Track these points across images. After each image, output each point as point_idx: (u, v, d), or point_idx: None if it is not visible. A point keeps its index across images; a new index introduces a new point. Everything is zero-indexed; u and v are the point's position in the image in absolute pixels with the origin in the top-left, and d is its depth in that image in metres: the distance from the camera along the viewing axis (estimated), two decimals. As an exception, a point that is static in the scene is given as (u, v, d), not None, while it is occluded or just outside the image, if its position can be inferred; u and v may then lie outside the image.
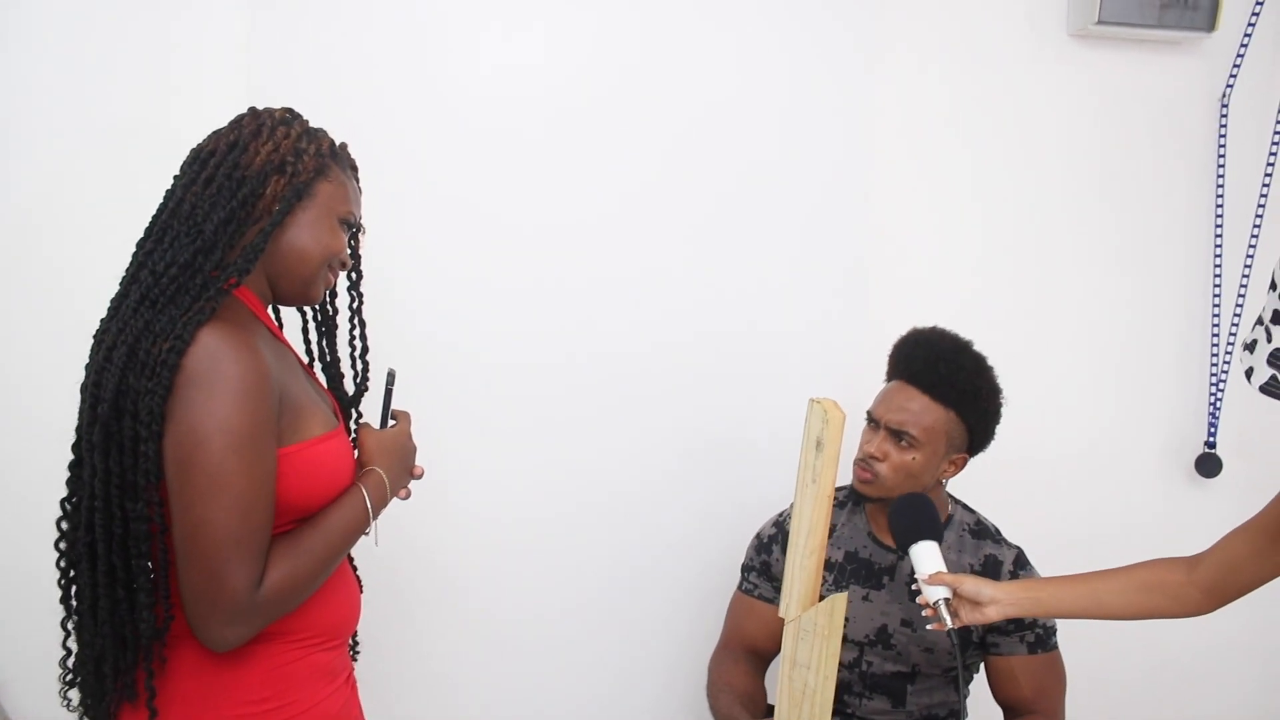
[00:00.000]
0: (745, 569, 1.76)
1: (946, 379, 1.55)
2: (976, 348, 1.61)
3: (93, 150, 1.74)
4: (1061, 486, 2.17)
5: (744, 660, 1.70)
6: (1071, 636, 1.65)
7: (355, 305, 1.35)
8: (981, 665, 1.65)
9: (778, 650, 1.47)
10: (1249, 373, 1.07)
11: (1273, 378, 1.04)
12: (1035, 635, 1.58)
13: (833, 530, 1.69)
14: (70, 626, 1.10)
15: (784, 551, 1.59)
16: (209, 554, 0.99)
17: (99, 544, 1.03)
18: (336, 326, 1.36)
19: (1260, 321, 1.07)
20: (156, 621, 1.05)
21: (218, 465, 0.99)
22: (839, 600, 1.36)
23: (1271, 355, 1.04)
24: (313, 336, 1.36)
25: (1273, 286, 1.05)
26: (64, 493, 1.10)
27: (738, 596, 1.76)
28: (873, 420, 1.60)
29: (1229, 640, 2.21)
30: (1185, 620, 1.40)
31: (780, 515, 1.76)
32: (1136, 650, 2.18)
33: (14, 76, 1.72)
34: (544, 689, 1.99)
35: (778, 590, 1.64)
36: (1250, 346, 1.08)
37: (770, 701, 1.64)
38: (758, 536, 1.76)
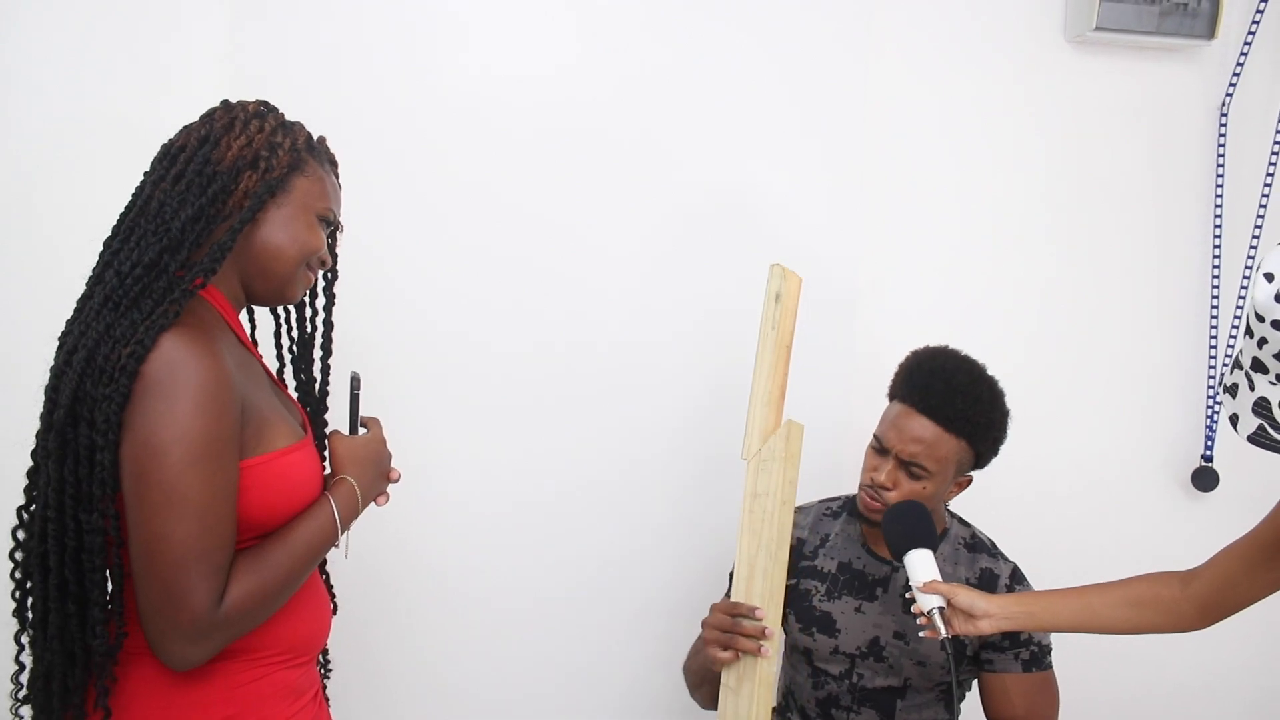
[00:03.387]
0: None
1: (963, 413, 1.51)
2: (990, 372, 1.56)
3: (79, 146, 1.70)
4: (1057, 500, 2.14)
5: None
6: (1065, 654, 1.62)
7: (325, 305, 1.30)
8: (975, 684, 1.62)
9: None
10: (1234, 419, 1.05)
11: (1260, 428, 1.02)
12: (1030, 653, 1.55)
13: (826, 540, 1.67)
14: (24, 640, 1.06)
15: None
16: (167, 569, 0.96)
17: (51, 555, 1.00)
18: (314, 330, 1.32)
19: (1239, 365, 1.04)
20: (109, 638, 1.01)
21: (176, 477, 0.95)
22: (795, 426, 1.46)
23: (1256, 405, 1.01)
24: (285, 341, 1.32)
25: (1248, 333, 1.01)
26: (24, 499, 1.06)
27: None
28: (882, 447, 1.55)
29: (1224, 659, 2.18)
30: (1180, 637, 1.38)
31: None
32: (1131, 669, 2.15)
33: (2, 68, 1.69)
34: (516, 676, 1.95)
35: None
36: (1232, 390, 1.05)
37: None
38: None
